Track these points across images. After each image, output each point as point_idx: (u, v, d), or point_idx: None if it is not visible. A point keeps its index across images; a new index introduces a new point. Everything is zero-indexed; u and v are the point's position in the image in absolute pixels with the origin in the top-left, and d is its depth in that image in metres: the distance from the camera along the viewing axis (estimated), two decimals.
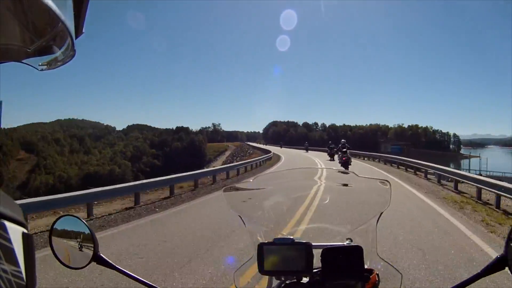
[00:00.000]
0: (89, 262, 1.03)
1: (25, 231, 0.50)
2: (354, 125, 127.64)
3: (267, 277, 1.27)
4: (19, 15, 0.48)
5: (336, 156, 21.63)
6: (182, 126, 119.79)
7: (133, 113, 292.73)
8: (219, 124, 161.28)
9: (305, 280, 1.15)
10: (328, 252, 1.10)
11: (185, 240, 6.20)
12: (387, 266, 1.21)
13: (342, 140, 20.15)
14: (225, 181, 15.53)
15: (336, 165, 21.28)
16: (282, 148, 58.88)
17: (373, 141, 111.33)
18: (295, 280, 1.15)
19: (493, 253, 5.28)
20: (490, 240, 6.17)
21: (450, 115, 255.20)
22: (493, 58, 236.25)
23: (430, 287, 4.19)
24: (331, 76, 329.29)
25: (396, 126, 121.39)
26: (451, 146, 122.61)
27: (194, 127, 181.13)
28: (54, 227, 1.05)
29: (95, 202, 9.26)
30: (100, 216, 8.62)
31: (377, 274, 1.16)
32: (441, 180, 14.31)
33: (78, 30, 0.57)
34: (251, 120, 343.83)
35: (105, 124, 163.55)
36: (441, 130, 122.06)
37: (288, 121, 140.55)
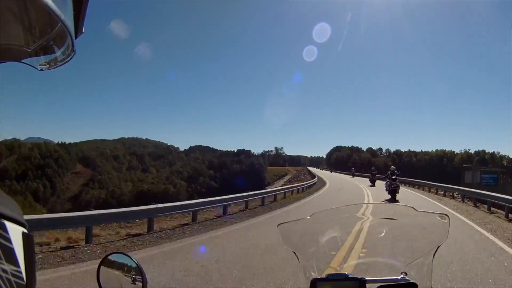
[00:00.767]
0: None
1: (25, 231, 0.50)
2: (420, 150, 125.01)
3: None
4: (19, 15, 0.49)
5: (383, 183, 20.12)
6: (243, 149, 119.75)
7: (196, 135, 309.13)
8: (282, 148, 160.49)
9: None
10: None
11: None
12: None
13: (392, 166, 19.92)
14: (271, 204, 15.84)
15: (378, 191, 21.94)
16: (332, 173, 62.88)
17: (439, 168, 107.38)
18: None
19: None
20: None
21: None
22: None
23: None
24: (396, 101, 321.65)
25: (462, 151, 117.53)
26: None
27: (257, 150, 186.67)
28: (104, 260, 1.10)
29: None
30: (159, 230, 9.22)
31: None
32: None
33: (78, 30, 0.56)
34: (314, 144, 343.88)
35: (168, 144, 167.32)
36: (508, 156, 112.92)
37: (351, 146, 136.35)
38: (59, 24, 0.50)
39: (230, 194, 13.76)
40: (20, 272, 0.46)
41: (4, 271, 0.43)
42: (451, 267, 5.79)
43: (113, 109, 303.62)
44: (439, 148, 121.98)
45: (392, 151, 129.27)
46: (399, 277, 1.14)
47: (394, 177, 17.46)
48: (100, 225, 8.77)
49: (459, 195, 18.71)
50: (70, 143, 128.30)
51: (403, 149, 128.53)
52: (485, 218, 12.17)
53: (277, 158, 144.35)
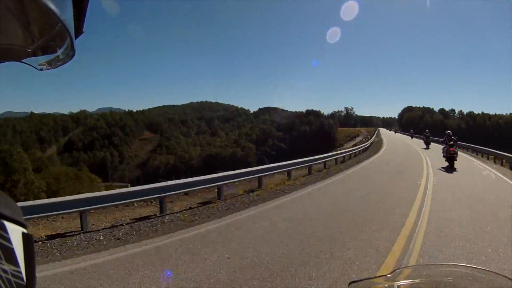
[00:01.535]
0: None
1: (25, 231, 0.51)
2: (494, 113, 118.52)
3: None
4: (19, 15, 0.49)
5: (439, 146, 20.18)
6: (312, 110, 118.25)
7: (265, 97, 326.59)
8: (352, 108, 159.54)
9: None
10: None
11: None
12: None
13: (448, 131, 18.65)
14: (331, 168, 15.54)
15: (435, 156, 20.84)
16: (396, 134, 64.45)
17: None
18: None
19: None
20: None
21: None
22: None
23: None
24: (468, 60, 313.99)
25: None
26: None
27: (327, 110, 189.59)
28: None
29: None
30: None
31: None
32: None
33: (78, 30, 0.57)
34: (387, 104, 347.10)
35: (238, 106, 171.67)
36: None
37: (423, 107, 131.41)
38: (59, 24, 0.51)
39: (297, 157, 14.76)
40: (20, 272, 0.47)
41: (4, 271, 0.44)
42: None
43: (182, 75, 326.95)
44: None
45: (465, 112, 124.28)
46: None
47: (451, 143, 16.47)
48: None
49: None
50: (137, 111, 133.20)
51: (477, 111, 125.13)
52: None
53: (348, 119, 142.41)
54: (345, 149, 20.43)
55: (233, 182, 9.61)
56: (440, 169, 15.20)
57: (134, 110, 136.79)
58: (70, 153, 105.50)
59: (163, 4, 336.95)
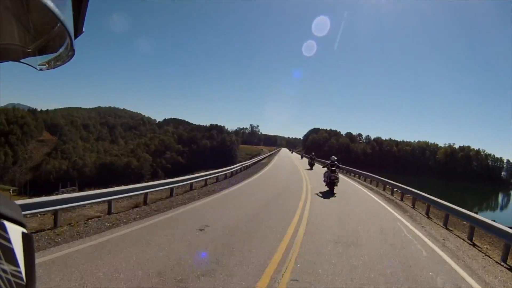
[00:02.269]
0: None
1: (25, 231, 0.54)
2: (401, 140, 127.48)
3: None
4: (19, 14, 0.52)
5: (323, 172, 19.56)
6: (216, 124, 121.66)
7: (173, 107, 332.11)
8: (257, 126, 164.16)
9: None
10: None
11: None
12: None
13: (333, 157, 19.14)
14: (200, 189, 15.21)
15: (316, 178, 22.22)
16: (292, 154, 69.58)
17: (421, 161, 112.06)
18: None
19: None
20: None
21: (506, 138, 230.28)
22: None
23: None
24: (379, 86, 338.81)
25: (446, 145, 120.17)
26: (503, 174, 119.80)
27: (232, 126, 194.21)
28: None
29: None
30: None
31: None
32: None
33: (78, 30, 0.60)
34: (293, 125, 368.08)
35: (146, 115, 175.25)
36: (494, 155, 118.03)
37: (330, 129, 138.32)
38: (58, 24, 0.54)
39: (196, 171, 15.81)
40: (20, 272, 0.49)
41: (4, 271, 0.46)
42: None
43: (91, 78, 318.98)
44: (422, 140, 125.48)
45: (372, 138, 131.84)
46: None
47: (333, 168, 17.25)
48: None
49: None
50: (41, 110, 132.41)
51: (384, 137, 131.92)
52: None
53: (252, 137, 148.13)
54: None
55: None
56: (317, 194, 15.52)
57: (44, 109, 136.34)
58: None
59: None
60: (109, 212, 8.85)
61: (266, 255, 6.24)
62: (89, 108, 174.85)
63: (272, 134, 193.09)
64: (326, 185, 17.11)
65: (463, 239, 9.50)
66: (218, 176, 18.67)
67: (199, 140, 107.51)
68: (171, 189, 12.49)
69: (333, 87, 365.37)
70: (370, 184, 24.44)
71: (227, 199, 12.67)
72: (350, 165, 36.03)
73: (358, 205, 13.71)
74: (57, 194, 8.30)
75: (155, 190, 11.78)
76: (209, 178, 17.14)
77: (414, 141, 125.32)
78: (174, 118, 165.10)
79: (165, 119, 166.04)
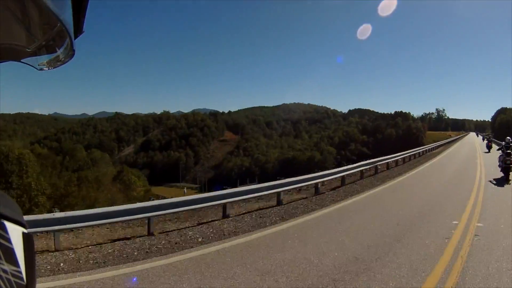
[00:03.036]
0: None
1: (25, 231, 0.56)
2: None
3: None
4: (19, 14, 0.54)
5: (497, 155, 17.94)
6: (401, 111, 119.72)
7: (358, 97, 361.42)
8: (444, 110, 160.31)
9: None
10: None
11: None
12: None
13: (508, 138, 16.93)
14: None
15: (490, 159, 21.25)
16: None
17: None
18: None
19: None
20: None
21: None
22: None
23: None
24: None
25: None
26: None
27: (417, 112, 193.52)
28: None
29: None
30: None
31: None
32: None
33: (78, 30, 0.62)
34: (481, 106, 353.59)
35: (331, 108, 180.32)
36: None
37: None
38: (58, 24, 0.56)
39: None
40: (20, 272, 0.52)
41: (4, 271, 0.48)
42: None
43: (275, 77, 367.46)
44: None
45: None
46: None
47: (509, 151, 15.55)
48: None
49: None
50: (222, 112, 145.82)
51: None
52: None
53: (439, 122, 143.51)
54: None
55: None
56: (491, 182, 14.37)
57: (222, 111, 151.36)
58: (146, 152, 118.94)
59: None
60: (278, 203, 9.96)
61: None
62: (273, 106, 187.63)
63: (460, 118, 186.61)
64: (500, 170, 15.75)
65: None
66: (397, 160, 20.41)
67: (384, 129, 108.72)
68: (342, 177, 13.43)
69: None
70: None
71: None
72: None
73: None
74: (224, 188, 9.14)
75: (326, 179, 12.50)
76: (381, 163, 17.82)
77: None
78: (359, 109, 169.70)
79: (349, 110, 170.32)
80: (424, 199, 10.61)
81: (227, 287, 4.57)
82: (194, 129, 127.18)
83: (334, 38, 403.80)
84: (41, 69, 0.69)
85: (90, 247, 6.46)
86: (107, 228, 7.76)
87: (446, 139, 71.14)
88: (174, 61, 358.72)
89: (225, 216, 8.49)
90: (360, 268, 5.09)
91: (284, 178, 11.03)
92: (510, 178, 14.61)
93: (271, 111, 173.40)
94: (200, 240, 6.80)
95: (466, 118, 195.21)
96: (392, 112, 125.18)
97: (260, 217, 8.56)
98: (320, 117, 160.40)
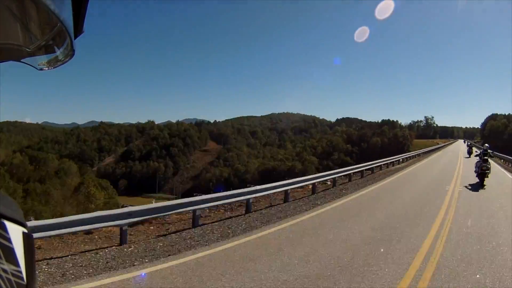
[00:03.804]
0: None
1: (25, 231, 0.57)
2: None
3: None
4: (19, 14, 0.55)
5: (475, 160, 19.48)
6: (388, 120, 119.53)
7: (345, 106, 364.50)
8: (432, 117, 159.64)
9: None
10: None
11: None
12: None
13: (486, 145, 19.68)
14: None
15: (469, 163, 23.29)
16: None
17: None
18: None
19: None
20: None
21: None
22: None
23: None
24: None
25: None
26: None
27: (406, 120, 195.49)
28: None
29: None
30: None
31: None
32: None
33: (78, 30, 0.63)
34: (470, 112, 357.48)
35: (320, 117, 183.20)
36: None
37: (509, 114, 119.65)
38: (58, 24, 0.57)
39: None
40: (20, 272, 0.52)
41: (4, 271, 0.49)
42: None
43: (262, 86, 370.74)
44: None
45: None
46: None
47: (486, 158, 17.06)
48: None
49: None
50: (208, 122, 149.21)
51: None
52: None
53: (427, 130, 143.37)
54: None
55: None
56: (466, 187, 15.82)
57: (207, 121, 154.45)
58: (126, 162, 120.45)
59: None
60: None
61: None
62: (261, 116, 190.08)
63: (449, 125, 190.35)
64: (476, 176, 17.14)
65: None
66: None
67: (369, 138, 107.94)
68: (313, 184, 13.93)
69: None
70: None
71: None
72: None
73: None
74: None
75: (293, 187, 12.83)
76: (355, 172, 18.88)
77: None
78: (347, 118, 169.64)
79: (337, 119, 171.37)
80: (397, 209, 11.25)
81: None
82: (175, 139, 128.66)
83: (325, 47, 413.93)
84: (41, 69, 0.70)
85: None
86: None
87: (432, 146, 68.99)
88: (165, 70, 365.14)
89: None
90: None
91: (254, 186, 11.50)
92: (484, 183, 16.19)
93: (259, 121, 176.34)
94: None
95: (455, 125, 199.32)
96: (379, 121, 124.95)
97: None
98: (307, 126, 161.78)
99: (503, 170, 26.14)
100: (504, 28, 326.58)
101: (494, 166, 24.94)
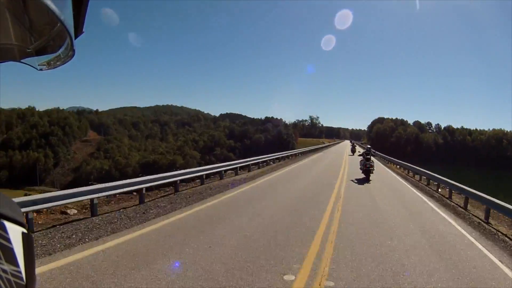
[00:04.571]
0: None
1: (25, 231, 0.58)
2: (475, 128, 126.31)
3: None
4: (19, 14, 0.57)
5: (359, 160, 22.49)
6: (272, 117, 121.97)
7: (230, 102, 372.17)
8: (318, 117, 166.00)
9: None
10: None
11: None
12: None
13: (368, 145, 23.78)
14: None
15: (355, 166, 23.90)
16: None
17: (497, 151, 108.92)
18: None
19: None
20: None
21: None
22: None
23: None
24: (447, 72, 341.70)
25: None
26: None
27: (290, 119, 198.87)
28: None
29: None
30: None
31: None
32: None
33: (78, 30, 0.64)
34: (358, 115, 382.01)
35: (205, 112, 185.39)
36: None
37: (396, 118, 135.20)
38: (58, 24, 0.58)
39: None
40: (20, 272, 0.54)
41: (4, 271, 0.50)
42: None
43: (149, 77, 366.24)
44: (497, 128, 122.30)
45: (442, 127, 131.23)
46: None
47: (368, 157, 20.15)
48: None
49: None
50: (90, 111, 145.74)
51: (456, 125, 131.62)
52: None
53: (313, 129, 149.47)
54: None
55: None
56: (353, 181, 18.45)
57: (89, 110, 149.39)
58: (6, 151, 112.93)
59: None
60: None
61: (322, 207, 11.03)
62: (144, 107, 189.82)
63: (335, 126, 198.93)
64: (362, 172, 20.04)
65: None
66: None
67: (252, 135, 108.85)
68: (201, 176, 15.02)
69: (397, 72, 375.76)
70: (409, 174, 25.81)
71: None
72: (422, 162, 40.30)
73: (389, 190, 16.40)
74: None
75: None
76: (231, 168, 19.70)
77: (489, 129, 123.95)
78: (231, 113, 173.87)
79: (221, 114, 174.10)
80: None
81: None
82: (55, 127, 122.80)
83: (216, 41, 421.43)
84: (41, 69, 0.71)
85: None
86: None
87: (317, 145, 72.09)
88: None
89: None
90: None
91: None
92: (370, 178, 19.20)
93: (142, 112, 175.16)
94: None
95: (342, 126, 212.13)
96: (263, 118, 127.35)
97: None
98: (190, 120, 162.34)
99: (383, 167, 31.35)
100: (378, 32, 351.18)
101: (378, 164, 29.96)
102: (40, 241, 6.74)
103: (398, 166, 31.54)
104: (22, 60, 0.67)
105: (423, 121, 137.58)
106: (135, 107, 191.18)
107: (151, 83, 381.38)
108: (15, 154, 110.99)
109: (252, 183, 15.86)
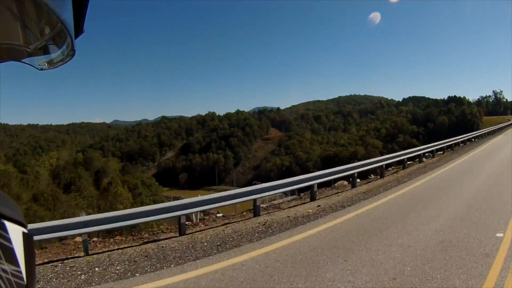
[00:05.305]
0: None
1: (25, 231, 0.60)
2: None
3: None
4: (19, 14, 0.59)
5: None
6: (454, 96, 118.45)
7: (413, 84, 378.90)
8: (501, 92, 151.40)
9: None
10: None
11: None
12: None
13: None
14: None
15: None
16: None
17: None
18: None
19: None
20: None
21: None
22: None
23: None
24: None
25: None
26: None
27: (473, 96, 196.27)
28: None
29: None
30: None
31: None
32: None
33: (78, 30, 0.66)
34: None
35: (389, 98, 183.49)
36: None
37: None
38: (59, 24, 0.62)
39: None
40: (20, 272, 0.56)
41: (4, 271, 0.52)
42: None
43: (330, 70, 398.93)
44: None
45: None
46: None
47: None
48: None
49: None
50: (271, 110, 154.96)
51: None
52: None
53: (497, 106, 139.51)
54: None
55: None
56: None
57: (270, 109, 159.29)
58: (186, 155, 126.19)
59: None
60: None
61: None
62: (327, 100, 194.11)
63: None
64: None
65: None
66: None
67: (435, 117, 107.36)
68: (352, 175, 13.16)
69: None
70: None
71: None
72: None
73: None
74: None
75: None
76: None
77: None
78: (413, 96, 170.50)
79: (403, 99, 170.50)
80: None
81: None
82: (234, 129, 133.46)
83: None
84: (41, 69, 0.75)
85: None
86: None
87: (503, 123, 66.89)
88: (229, 63, 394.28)
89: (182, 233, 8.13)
90: None
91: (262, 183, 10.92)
92: None
93: (324, 105, 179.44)
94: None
95: None
96: (445, 98, 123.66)
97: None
98: (373, 108, 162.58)
99: None
100: None
101: None
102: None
103: None
104: (22, 60, 0.70)
105: None
106: (318, 100, 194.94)
107: (332, 76, 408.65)
108: (195, 157, 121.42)
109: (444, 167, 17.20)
